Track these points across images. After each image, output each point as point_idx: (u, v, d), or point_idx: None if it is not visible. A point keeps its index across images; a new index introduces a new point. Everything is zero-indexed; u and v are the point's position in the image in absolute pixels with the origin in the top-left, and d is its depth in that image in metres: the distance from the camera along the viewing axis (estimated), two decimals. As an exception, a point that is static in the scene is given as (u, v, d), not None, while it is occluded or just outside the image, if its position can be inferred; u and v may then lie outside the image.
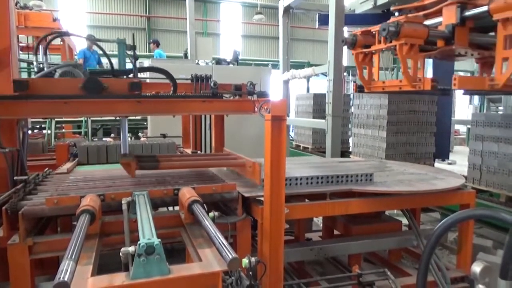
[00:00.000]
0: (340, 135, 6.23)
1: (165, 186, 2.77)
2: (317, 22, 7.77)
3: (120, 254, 1.75)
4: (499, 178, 5.03)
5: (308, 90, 10.33)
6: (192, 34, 9.32)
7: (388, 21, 3.20)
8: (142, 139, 7.11)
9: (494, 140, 5.10)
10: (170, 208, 2.95)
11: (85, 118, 8.08)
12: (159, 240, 1.69)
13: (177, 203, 2.61)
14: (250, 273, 2.25)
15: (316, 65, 8.85)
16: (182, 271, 1.73)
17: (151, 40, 13.06)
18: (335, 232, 4.03)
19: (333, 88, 5.94)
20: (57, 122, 8.01)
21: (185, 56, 10.37)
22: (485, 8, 2.96)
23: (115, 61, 3.27)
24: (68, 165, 3.71)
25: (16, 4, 7.26)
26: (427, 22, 3.41)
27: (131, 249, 1.71)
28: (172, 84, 3.24)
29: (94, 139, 8.39)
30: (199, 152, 5.05)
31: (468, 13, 3.05)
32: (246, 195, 2.86)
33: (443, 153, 7.03)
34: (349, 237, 3.53)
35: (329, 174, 3.28)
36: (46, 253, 2.34)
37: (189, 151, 4.78)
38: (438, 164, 6.70)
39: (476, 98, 18.12)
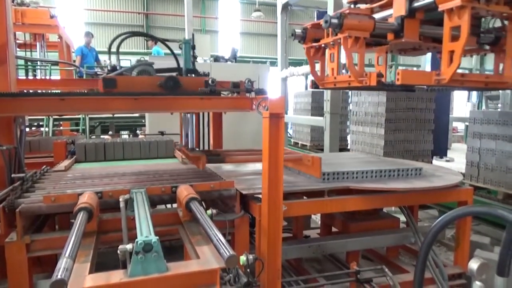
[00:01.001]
0: (338, 133, 6.25)
1: (163, 184, 2.77)
2: (315, 19, 7.76)
3: (118, 251, 1.74)
4: (496, 175, 5.04)
5: (306, 88, 10.34)
6: (190, 31, 9.29)
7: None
8: (140, 136, 7.12)
9: (492, 137, 5.12)
10: (168, 206, 2.95)
11: (83, 116, 8.06)
12: (157, 237, 1.69)
13: (175, 200, 2.61)
14: (248, 270, 2.25)
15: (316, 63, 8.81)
16: (180, 269, 1.73)
17: (149, 37, 13.01)
18: (333, 229, 4.03)
19: (331, 86, 5.93)
20: (55, 120, 8.00)
21: (183, 53, 10.33)
22: (432, -2, 2.82)
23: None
24: (66, 162, 3.70)
25: (13, 1, 7.23)
26: (382, 14, 3.22)
27: (129, 246, 1.71)
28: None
29: (92, 137, 8.38)
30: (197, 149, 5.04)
31: (416, 4, 2.88)
32: (244, 192, 2.87)
33: (441, 150, 7.04)
34: (347, 234, 3.54)
35: (383, 168, 3.42)
36: (44, 251, 2.33)
37: (187, 148, 4.77)
38: (436, 162, 6.72)
39: (474, 95, 18.16)
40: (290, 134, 10.40)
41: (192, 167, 3.57)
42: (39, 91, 4.62)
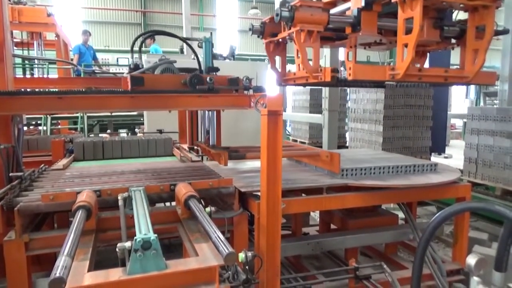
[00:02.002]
0: (337, 130, 6.26)
1: (162, 182, 2.76)
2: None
3: (117, 249, 1.74)
4: (494, 171, 5.06)
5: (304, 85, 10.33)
6: (188, 29, 9.27)
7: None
8: (138, 134, 7.10)
9: (490, 133, 5.13)
10: (167, 204, 2.95)
11: (81, 114, 8.04)
12: (156, 235, 1.69)
13: (174, 198, 2.61)
14: (247, 267, 2.25)
15: (309, 60, 8.81)
16: (179, 266, 1.73)
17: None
18: (332, 226, 4.04)
19: (329, 83, 5.92)
20: (53, 118, 7.98)
21: (181, 51, 10.32)
22: (386, -11, 2.66)
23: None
24: (64, 161, 3.69)
25: (9, -1, 7.20)
26: (344, 7, 3.04)
27: (128, 244, 1.70)
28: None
29: (91, 135, 8.36)
30: (195, 147, 5.03)
31: None
32: (242, 190, 2.87)
33: (439, 147, 7.05)
34: (345, 231, 3.54)
35: (398, 164, 3.47)
36: (43, 249, 2.33)
37: (185, 146, 4.77)
38: (434, 158, 6.73)
39: (472, 92, 18.16)
40: (288, 132, 10.40)
41: (190, 165, 3.57)
42: (37, 89, 4.61)
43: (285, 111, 8.84)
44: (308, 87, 9.30)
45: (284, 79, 3.53)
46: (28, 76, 8.68)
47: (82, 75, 7.96)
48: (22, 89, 4.17)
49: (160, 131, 5.33)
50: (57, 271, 1.43)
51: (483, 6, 2.69)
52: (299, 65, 3.12)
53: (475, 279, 1.74)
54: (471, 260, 1.74)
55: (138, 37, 3.54)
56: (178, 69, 3.31)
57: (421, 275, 2.06)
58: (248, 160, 3.56)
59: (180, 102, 3.06)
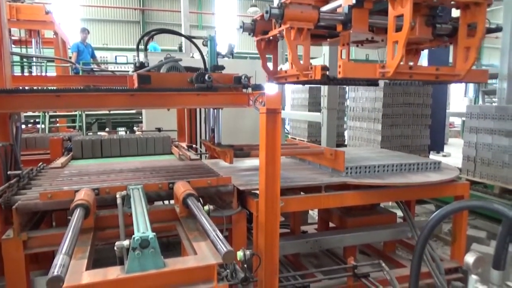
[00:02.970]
0: (336, 128, 6.23)
1: (160, 180, 2.76)
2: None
3: (115, 248, 1.74)
4: (493, 169, 5.06)
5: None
6: (187, 27, 9.26)
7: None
8: (137, 133, 7.10)
9: (488, 132, 5.13)
10: (166, 202, 2.95)
11: (79, 112, 8.03)
12: (154, 233, 1.69)
13: (172, 197, 2.60)
14: (245, 265, 2.25)
15: (311, 58, 8.81)
16: (177, 264, 1.73)
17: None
18: (331, 224, 4.05)
19: (328, 81, 5.91)
20: (51, 116, 7.96)
21: (180, 49, 10.31)
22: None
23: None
24: (62, 159, 3.68)
25: (7, -3, 7.17)
26: (334, 5, 2.99)
27: (126, 243, 1.70)
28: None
29: (89, 133, 8.35)
30: (194, 145, 5.04)
31: None
32: (241, 188, 2.87)
33: (437, 145, 7.06)
34: (344, 230, 3.55)
35: (402, 163, 3.49)
36: (41, 247, 2.33)
37: (184, 144, 4.77)
38: (433, 157, 6.73)
39: (471, 90, 18.17)
40: (287, 130, 10.39)
41: (189, 163, 3.57)
42: (35, 87, 4.59)
43: (283, 110, 8.83)
44: (307, 86, 9.30)
45: (276, 77, 3.52)
46: (26, 74, 8.65)
47: (80, 73, 7.95)
48: (20, 87, 4.15)
49: (159, 130, 5.33)
50: (55, 270, 1.43)
51: (475, 3, 2.67)
52: (291, 63, 3.09)
53: (473, 277, 1.75)
54: (470, 258, 1.75)
55: (144, 35, 3.52)
56: (184, 68, 3.31)
57: (419, 273, 2.07)
58: (246, 158, 3.56)
59: (179, 100, 3.05)
